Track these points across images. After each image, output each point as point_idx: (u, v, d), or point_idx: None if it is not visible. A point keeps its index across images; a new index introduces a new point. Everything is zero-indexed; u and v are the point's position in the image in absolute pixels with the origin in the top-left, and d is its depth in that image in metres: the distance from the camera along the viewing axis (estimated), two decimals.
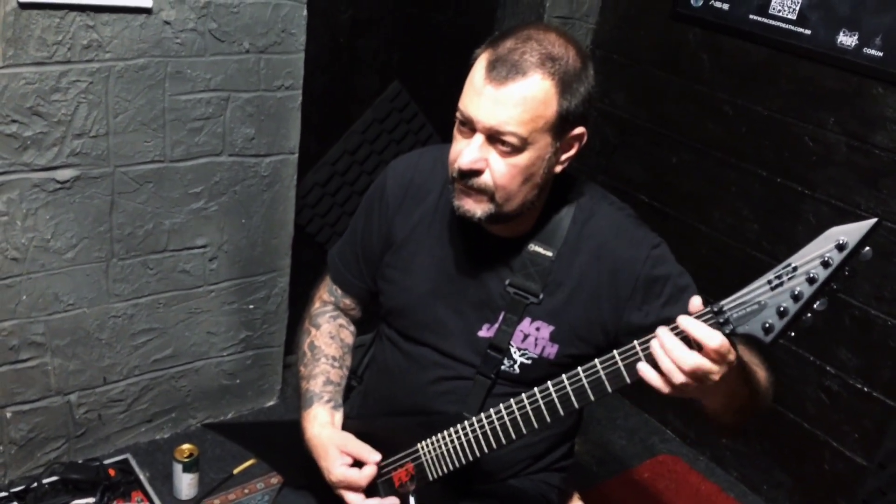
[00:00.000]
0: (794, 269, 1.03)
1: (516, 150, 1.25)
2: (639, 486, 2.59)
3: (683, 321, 1.08)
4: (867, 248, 1.00)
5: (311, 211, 2.63)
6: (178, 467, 2.20)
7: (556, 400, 1.25)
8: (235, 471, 2.30)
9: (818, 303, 1.03)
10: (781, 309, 1.03)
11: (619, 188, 2.94)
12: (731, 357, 1.08)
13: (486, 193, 1.28)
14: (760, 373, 1.30)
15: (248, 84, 2.16)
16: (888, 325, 2.21)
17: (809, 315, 1.03)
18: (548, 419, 1.26)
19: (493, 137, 1.25)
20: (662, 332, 1.11)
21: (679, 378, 1.09)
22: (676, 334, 1.10)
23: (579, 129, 1.32)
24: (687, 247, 2.72)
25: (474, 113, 1.24)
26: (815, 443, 2.44)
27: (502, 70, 1.22)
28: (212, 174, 2.20)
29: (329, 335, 1.59)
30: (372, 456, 1.42)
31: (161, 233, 2.18)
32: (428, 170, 1.52)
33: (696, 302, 1.11)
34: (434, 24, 2.67)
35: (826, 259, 1.01)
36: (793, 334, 1.05)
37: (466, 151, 1.26)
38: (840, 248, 1.00)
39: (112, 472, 2.22)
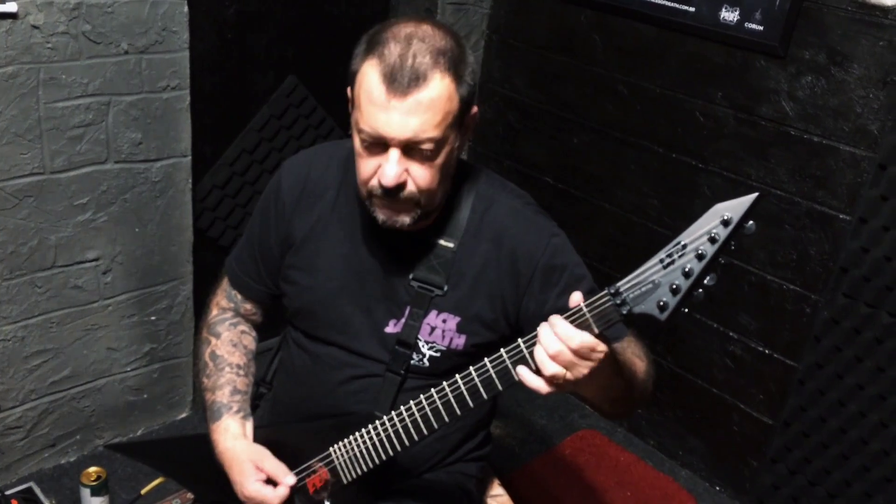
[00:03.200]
0: (684, 246, 1.05)
1: (433, 153, 1.24)
2: (561, 464, 2.63)
3: (556, 322, 1.10)
4: (751, 221, 1.03)
5: (212, 214, 2.54)
6: (85, 492, 2.10)
7: (464, 392, 1.24)
8: (143, 490, 2.21)
9: (708, 278, 1.05)
10: (674, 286, 1.05)
11: (525, 172, 2.96)
12: (598, 354, 1.10)
13: (412, 201, 1.28)
14: (639, 364, 1.33)
15: (131, 86, 2.06)
16: (784, 290, 2.31)
17: (700, 290, 1.06)
18: (458, 412, 1.26)
19: (409, 147, 1.23)
20: (543, 329, 1.11)
21: (551, 368, 1.10)
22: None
23: (474, 110, 1.33)
24: (592, 226, 2.77)
25: (386, 130, 1.21)
26: (723, 407, 2.53)
27: (402, 80, 1.19)
28: (98, 183, 2.09)
29: (231, 343, 1.54)
30: (287, 478, 1.38)
31: (47, 248, 2.07)
32: (322, 167, 1.49)
33: (575, 297, 1.12)
34: (328, 16, 2.61)
35: (713, 235, 1.03)
36: (686, 310, 1.07)
37: (388, 169, 1.23)
38: (725, 223, 1.03)
39: (15, 503, 2.10)
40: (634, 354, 1.35)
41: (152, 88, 2.11)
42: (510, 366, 1.17)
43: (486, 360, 1.19)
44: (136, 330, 2.34)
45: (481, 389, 1.22)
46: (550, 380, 1.11)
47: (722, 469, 2.59)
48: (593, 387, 1.17)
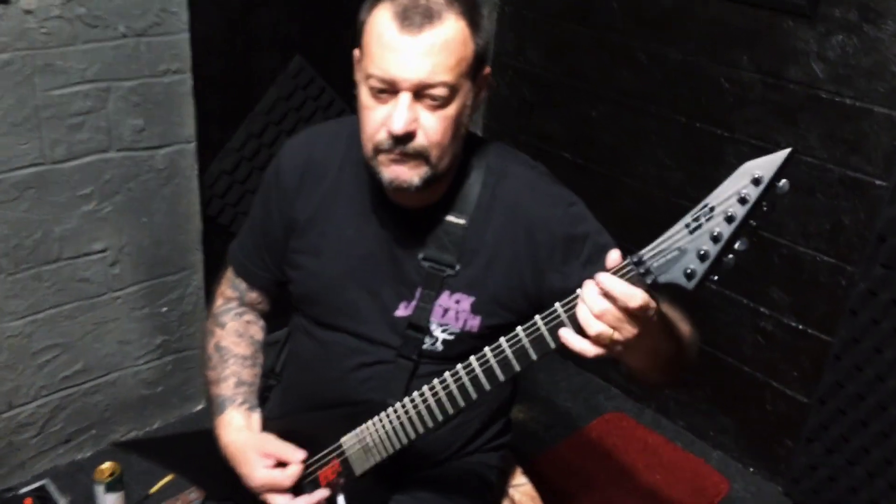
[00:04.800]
0: (712, 209, 0.98)
1: (446, 101, 1.17)
2: (588, 447, 2.56)
3: (603, 279, 1.02)
4: (784, 180, 0.95)
5: (221, 201, 2.48)
6: (99, 488, 2.06)
7: (479, 374, 1.17)
8: (152, 490, 2.16)
9: (739, 242, 0.98)
10: (702, 252, 0.98)
11: (541, 147, 2.86)
12: (653, 312, 1.03)
13: (423, 156, 1.20)
14: (684, 326, 1.25)
15: (130, 71, 1.99)
16: (817, 261, 2.20)
17: (731, 256, 0.98)
18: (473, 396, 1.19)
19: (420, 93, 1.16)
20: (587, 288, 1.04)
21: (596, 327, 1.02)
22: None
23: (487, 69, 1.26)
24: (612, 201, 2.67)
25: (397, 71, 1.14)
26: (755, 385, 2.43)
27: (415, 18, 1.13)
28: (101, 172, 2.04)
29: (236, 333, 1.48)
30: (295, 454, 1.33)
31: (52, 241, 2.02)
32: (324, 146, 1.42)
33: (613, 256, 1.05)
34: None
35: (743, 196, 0.96)
36: (716, 278, 1.00)
37: (397, 115, 1.16)
38: (756, 182, 0.95)
39: (29, 502, 2.07)
40: (677, 318, 1.26)
41: (153, 72, 2.04)
42: (546, 333, 1.09)
43: (518, 329, 1.11)
44: (148, 322, 2.29)
45: (497, 370, 1.15)
46: (596, 339, 1.03)
47: (755, 450, 2.50)
48: (643, 350, 1.09)
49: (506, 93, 2.95)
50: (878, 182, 2.03)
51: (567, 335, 1.06)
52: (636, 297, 0.99)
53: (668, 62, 2.42)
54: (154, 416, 2.43)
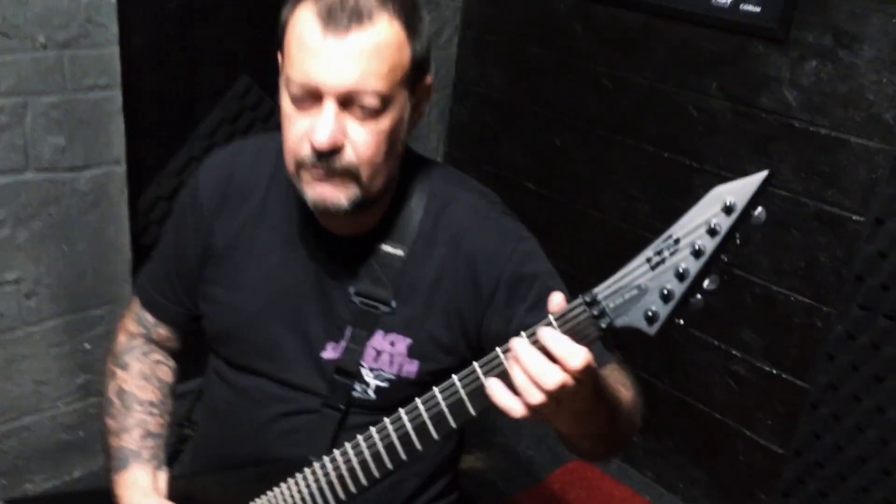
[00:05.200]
0: (677, 241, 0.85)
1: (377, 112, 1.03)
2: (550, 500, 2.37)
3: (545, 334, 0.87)
4: (759, 208, 0.83)
5: (158, 229, 2.30)
6: None
7: (410, 432, 1.01)
8: None
9: (707, 280, 0.85)
10: (665, 292, 0.85)
11: (504, 177, 2.73)
12: (591, 373, 0.88)
13: (351, 174, 1.05)
14: (624, 393, 1.09)
15: (50, 86, 1.82)
16: (791, 301, 2.07)
17: (699, 297, 0.85)
18: (403, 457, 1.02)
19: (348, 102, 1.01)
20: (519, 343, 0.88)
21: (537, 398, 0.86)
22: (534, 344, 0.87)
23: (429, 79, 1.12)
24: (577, 233, 2.54)
25: (320, 77, 1.00)
26: (727, 433, 2.28)
27: (341, 18, 0.99)
28: (15, 195, 1.85)
29: (142, 376, 1.30)
30: None
31: None
32: (248, 164, 1.26)
33: (556, 300, 0.90)
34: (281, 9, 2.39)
35: (713, 226, 0.83)
36: (681, 322, 0.86)
37: (321, 126, 1.01)
38: (728, 210, 0.83)
39: None
40: (618, 382, 1.11)
41: (77, 87, 1.87)
42: (465, 398, 0.94)
43: (454, 377, 0.96)
44: (68, 360, 2.09)
45: (448, 416, 0.98)
46: (534, 410, 0.87)
47: (728, 503, 2.33)
48: (570, 418, 0.94)
49: (467, 119, 2.81)
50: (855, 217, 1.91)
51: (496, 390, 0.90)
52: (578, 357, 0.85)
53: (635, 88, 2.30)
54: (74, 465, 2.21)
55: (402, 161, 1.17)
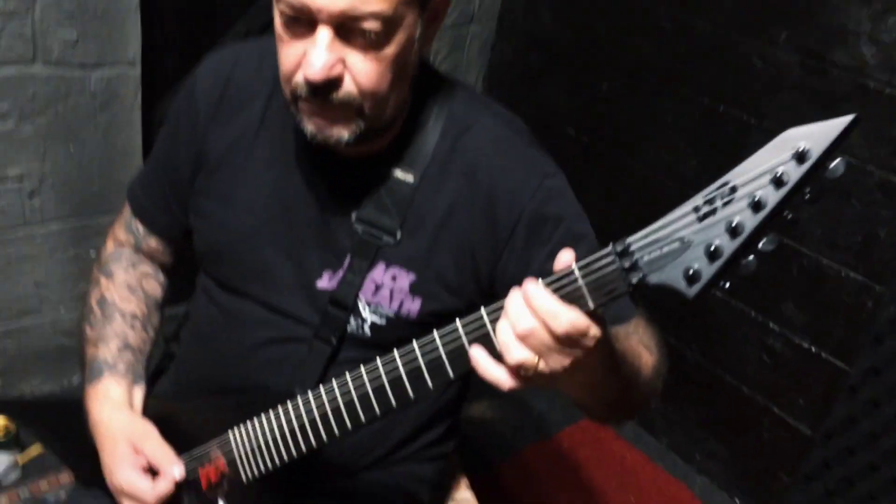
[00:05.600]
0: (733, 189, 0.71)
1: (381, 38, 0.89)
2: (557, 457, 2.28)
3: (531, 289, 0.75)
4: (838, 159, 0.68)
5: None
6: None
7: (403, 377, 0.90)
8: (21, 461, 1.88)
9: (765, 240, 0.71)
10: (713, 248, 0.71)
11: (544, 121, 2.57)
12: (589, 341, 0.75)
13: (352, 107, 0.92)
14: (646, 358, 0.97)
15: None
16: (842, 277, 1.90)
17: (752, 258, 0.72)
18: (393, 403, 0.91)
19: (346, 28, 0.87)
20: (512, 298, 0.77)
21: (517, 354, 0.75)
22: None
23: None
24: (617, 187, 2.38)
25: None
26: (754, 409, 2.15)
27: None
28: (22, 87, 1.75)
29: (127, 287, 1.21)
30: (172, 467, 1.05)
31: None
32: (252, 67, 1.14)
33: (565, 255, 0.76)
34: None
35: (779, 175, 0.68)
36: (727, 286, 0.73)
37: (314, 56, 0.88)
38: (800, 157, 0.68)
39: None
40: (642, 344, 0.98)
41: None
42: (466, 344, 0.82)
43: (435, 333, 0.84)
44: (71, 265, 2.01)
45: (425, 374, 0.87)
46: (515, 369, 0.76)
47: (745, 481, 2.22)
48: (576, 385, 0.82)
49: (510, 56, 2.64)
50: None
51: (478, 357, 0.79)
52: (573, 319, 0.73)
53: (695, 33, 2.11)
54: (74, 371, 2.16)
55: (418, 80, 1.03)
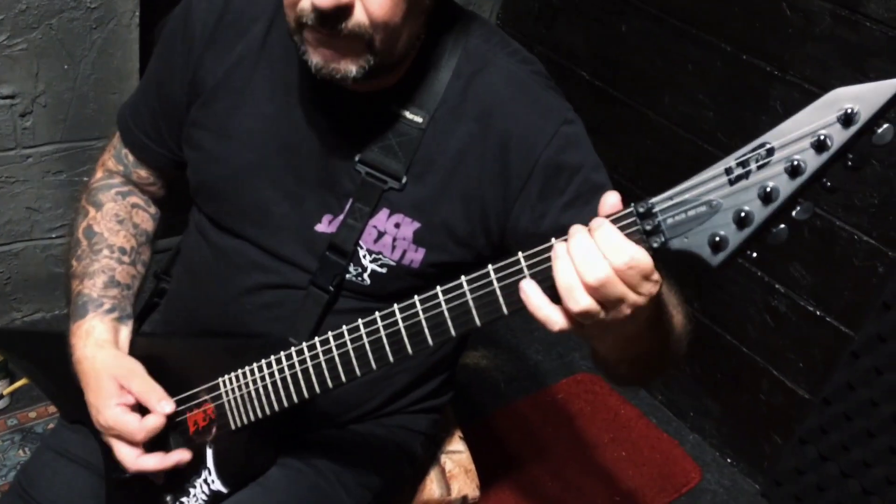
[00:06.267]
0: (770, 151, 0.66)
1: None
2: (551, 408, 2.27)
3: (607, 232, 0.70)
4: (886, 125, 0.63)
5: None
6: None
7: (402, 332, 0.86)
8: (5, 391, 1.86)
9: (799, 208, 0.67)
10: (743, 214, 0.67)
11: (558, 62, 2.47)
12: (654, 288, 0.71)
13: (362, 40, 0.86)
14: (677, 316, 0.93)
15: None
16: (854, 240, 1.85)
17: (783, 227, 0.68)
18: (391, 358, 0.87)
19: None
20: (579, 240, 0.71)
21: (582, 302, 0.70)
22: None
23: None
24: (631, 136, 2.31)
25: None
26: (753, 369, 2.12)
27: None
28: (15, 0, 1.66)
29: (115, 218, 1.16)
30: (161, 403, 1.01)
31: None
32: None
33: (611, 199, 0.73)
34: None
35: (822, 138, 0.64)
36: (754, 255, 0.69)
37: None
38: (846, 120, 0.63)
39: None
40: (671, 304, 0.94)
41: None
42: (499, 293, 0.77)
43: (463, 278, 0.79)
44: (65, 190, 1.95)
45: (426, 331, 0.83)
46: (579, 317, 0.72)
47: (738, 440, 2.21)
48: (620, 337, 0.78)
49: None
50: None
51: (532, 294, 0.73)
52: (647, 263, 0.69)
53: None
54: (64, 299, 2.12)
55: (432, 13, 0.96)
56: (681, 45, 2.13)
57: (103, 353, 1.06)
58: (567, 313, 0.72)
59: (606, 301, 0.70)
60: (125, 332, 1.10)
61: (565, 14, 2.45)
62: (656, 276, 0.70)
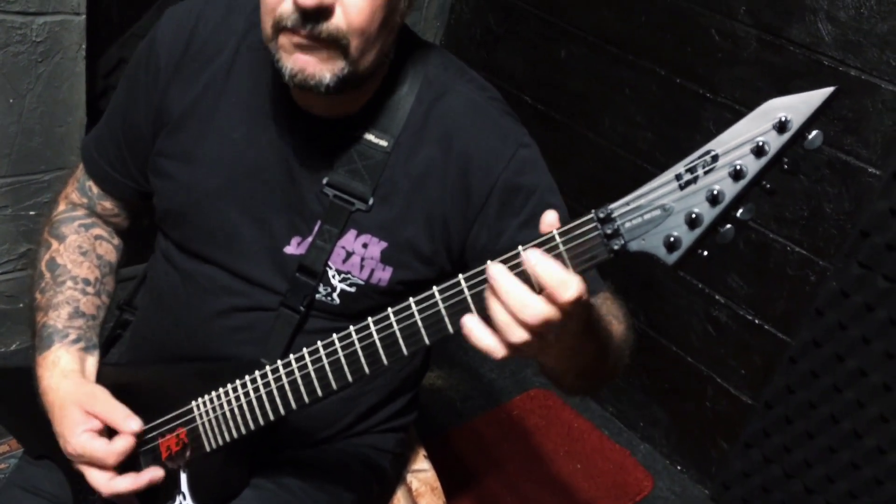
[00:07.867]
0: (714, 158, 0.72)
1: None
2: (507, 424, 2.31)
3: (530, 257, 0.73)
4: (815, 131, 0.71)
5: None
6: None
7: (377, 343, 0.88)
8: None
9: (743, 209, 0.72)
10: (693, 216, 0.72)
11: (500, 86, 2.50)
12: (581, 308, 0.75)
13: (339, 45, 0.90)
14: (616, 326, 0.99)
15: None
16: (787, 251, 1.96)
17: (730, 227, 0.73)
18: (367, 370, 0.90)
19: None
20: (496, 270, 0.75)
21: (518, 336, 0.74)
22: (515, 271, 0.75)
23: None
24: (572, 157, 2.39)
25: None
26: (697, 378, 2.21)
27: None
28: None
29: (78, 250, 1.15)
30: (128, 422, 1.01)
31: None
32: (217, 18, 1.09)
33: (549, 218, 0.76)
34: None
35: (760, 145, 0.70)
36: (705, 254, 0.75)
37: None
38: (781, 127, 0.70)
39: None
40: (611, 314, 0.99)
41: None
42: (444, 312, 0.81)
43: (411, 300, 0.83)
44: (10, 225, 1.92)
45: (400, 341, 0.86)
46: (514, 348, 0.75)
47: (686, 447, 2.29)
48: (557, 352, 0.82)
49: (468, 18, 2.61)
50: (871, 170, 1.79)
51: (474, 328, 0.76)
52: (571, 287, 0.72)
53: (656, 4, 2.11)
54: (12, 336, 2.07)
55: (397, 40, 1.01)
56: (618, 70, 2.23)
57: (67, 381, 1.05)
58: (506, 344, 0.76)
59: (541, 332, 0.74)
60: (91, 361, 1.10)
61: (506, 41, 2.53)
62: (585, 294, 0.74)
